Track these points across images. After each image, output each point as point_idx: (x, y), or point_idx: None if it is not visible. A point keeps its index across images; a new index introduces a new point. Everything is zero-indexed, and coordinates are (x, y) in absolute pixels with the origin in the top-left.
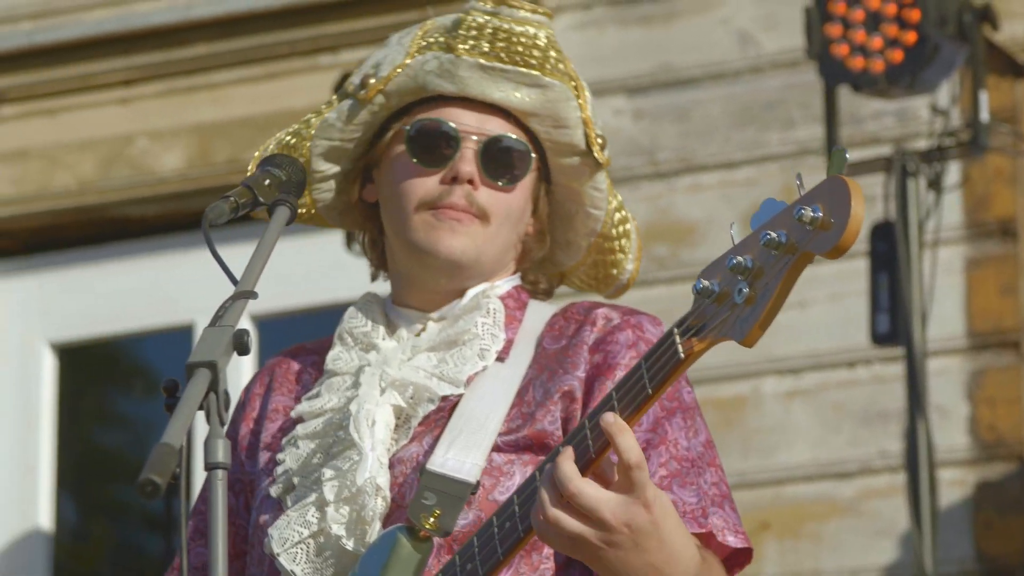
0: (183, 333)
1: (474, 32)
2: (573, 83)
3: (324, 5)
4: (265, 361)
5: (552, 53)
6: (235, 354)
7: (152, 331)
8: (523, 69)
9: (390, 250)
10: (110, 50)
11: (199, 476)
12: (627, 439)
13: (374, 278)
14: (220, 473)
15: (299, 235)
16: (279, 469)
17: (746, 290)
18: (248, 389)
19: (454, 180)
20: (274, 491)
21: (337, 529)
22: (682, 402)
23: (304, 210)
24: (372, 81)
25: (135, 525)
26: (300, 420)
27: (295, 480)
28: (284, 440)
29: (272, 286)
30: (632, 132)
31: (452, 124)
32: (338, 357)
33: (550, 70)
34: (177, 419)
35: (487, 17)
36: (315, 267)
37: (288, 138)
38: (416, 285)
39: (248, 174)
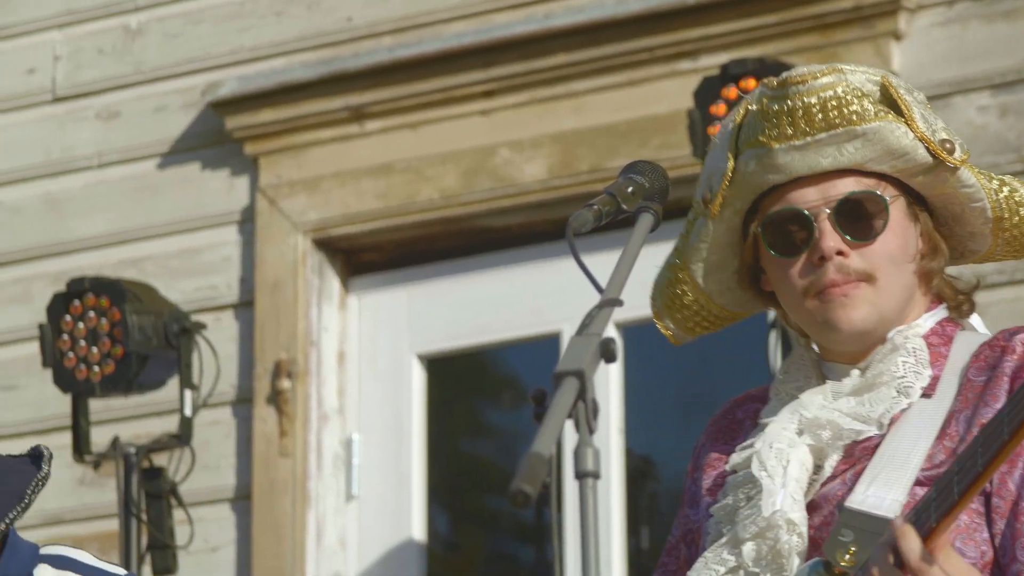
0: (550, 342)
1: (773, 119)
2: (890, 112)
3: (683, 10)
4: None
5: (854, 103)
6: (602, 362)
7: (519, 341)
8: (833, 131)
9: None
10: (470, 62)
11: (569, 485)
12: (909, 543)
13: (806, 346)
14: (591, 482)
15: (663, 241)
16: (711, 521)
17: None
18: (696, 442)
19: (822, 259)
20: (707, 543)
21: (753, 565)
22: None
23: (720, 320)
24: (709, 197)
25: (506, 535)
26: (733, 472)
27: (719, 529)
28: (719, 493)
29: (637, 293)
30: (998, 128)
31: (797, 207)
32: (770, 412)
33: (858, 119)
34: (546, 428)
35: (778, 103)
36: None
37: (668, 273)
38: (835, 351)
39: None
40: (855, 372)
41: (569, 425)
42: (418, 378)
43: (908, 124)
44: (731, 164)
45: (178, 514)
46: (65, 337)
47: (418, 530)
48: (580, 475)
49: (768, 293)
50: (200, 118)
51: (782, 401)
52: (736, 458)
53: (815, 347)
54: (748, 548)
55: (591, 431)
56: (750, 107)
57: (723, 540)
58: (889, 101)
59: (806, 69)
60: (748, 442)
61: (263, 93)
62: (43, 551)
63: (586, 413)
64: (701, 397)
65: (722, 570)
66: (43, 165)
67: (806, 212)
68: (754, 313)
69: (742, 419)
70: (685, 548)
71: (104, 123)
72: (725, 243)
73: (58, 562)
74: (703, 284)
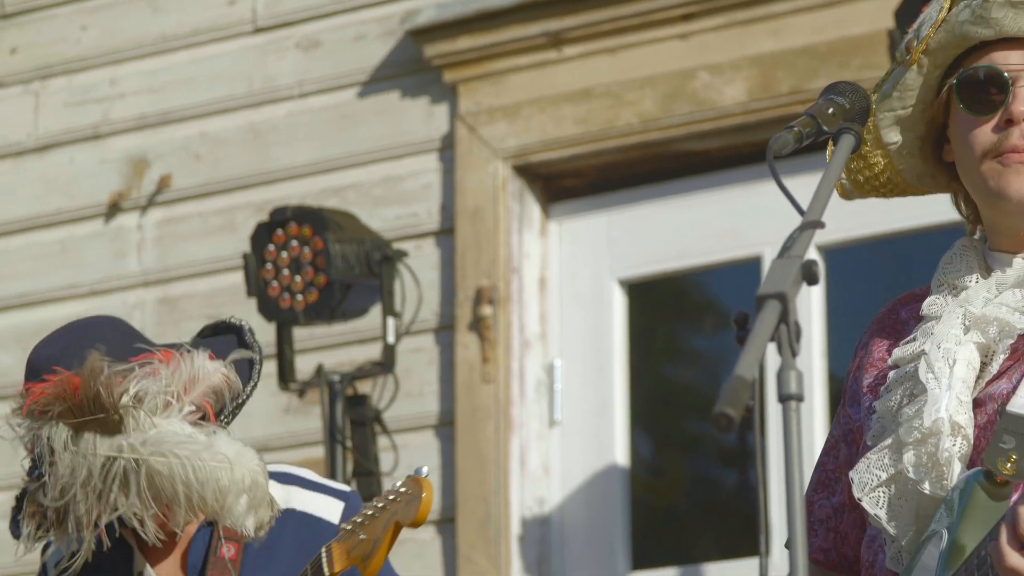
0: (751, 266)
1: None
2: None
3: None
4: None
5: None
6: (804, 284)
7: (720, 265)
8: None
9: (975, 202)
10: None
11: (772, 408)
12: None
13: (971, 233)
14: (794, 404)
15: None
16: (873, 417)
17: None
18: (858, 341)
19: (1009, 123)
20: (869, 439)
21: (913, 472)
22: None
23: (892, 186)
24: (915, 44)
25: (709, 459)
26: (895, 367)
27: (882, 425)
28: (881, 388)
29: (839, 215)
30: None
31: (997, 67)
32: (932, 303)
33: None
34: (749, 351)
35: None
36: None
37: None
38: (1002, 231)
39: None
40: (1018, 261)
41: (771, 348)
42: (619, 303)
43: None
44: (944, 12)
45: (382, 441)
46: (269, 266)
47: (621, 455)
48: (783, 398)
49: (946, 167)
50: (399, 46)
51: (942, 291)
52: (899, 352)
53: (978, 235)
54: (909, 455)
55: (794, 354)
56: None
57: (886, 444)
58: None
59: None
60: (911, 336)
61: (461, 20)
62: (269, 468)
63: (788, 336)
64: None
65: (883, 476)
66: (245, 96)
67: (1005, 73)
68: (926, 193)
69: (906, 319)
70: (845, 447)
71: (304, 53)
72: (918, 98)
73: (283, 478)
74: (885, 136)
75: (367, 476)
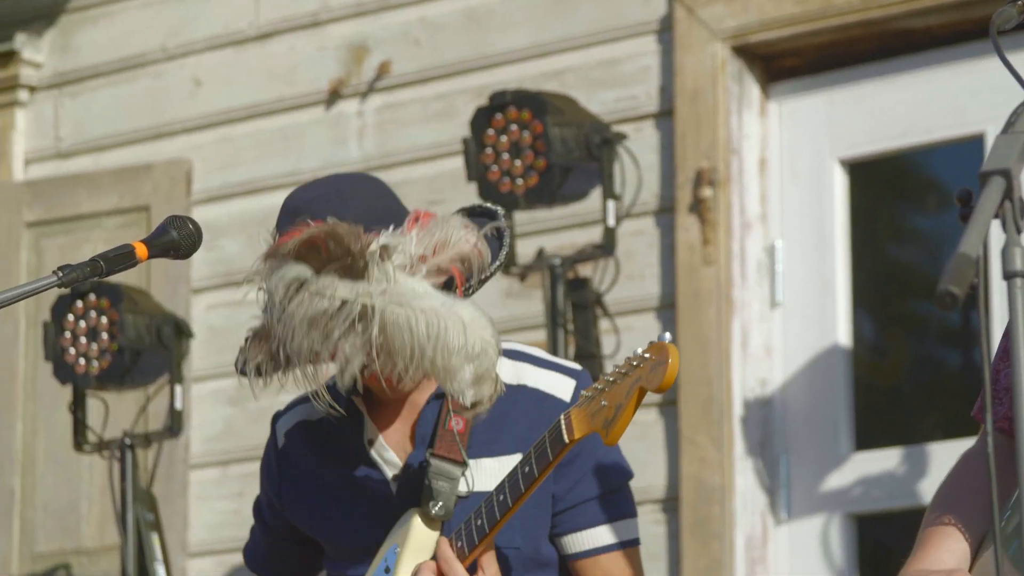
0: (973, 143)
1: None
2: None
3: None
4: None
5: None
6: None
7: (941, 143)
8: None
9: None
10: None
11: (996, 286)
12: None
13: None
14: (1019, 282)
15: None
16: None
17: None
18: None
19: None
20: None
21: None
22: None
23: None
24: None
25: (932, 339)
26: None
27: None
28: None
29: None
30: None
31: None
32: None
33: None
34: (973, 229)
35: None
36: None
37: None
38: None
39: None
40: None
41: (996, 225)
42: (840, 183)
43: None
44: None
45: (604, 324)
46: (488, 151)
47: (843, 335)
48: (1008, 275)
49: None
50: None
51: None
52: None
53: None
54: None
55: (1019, 231)
56: None
57: None
58: None
59: None
60: None
61: None
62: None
63: (1013, 212)
64: None
65: None
66: None
67: None
68: None
69: None
70: None
71: None
72: None
73: (514, 355)
74: None
75: (589, 359)
